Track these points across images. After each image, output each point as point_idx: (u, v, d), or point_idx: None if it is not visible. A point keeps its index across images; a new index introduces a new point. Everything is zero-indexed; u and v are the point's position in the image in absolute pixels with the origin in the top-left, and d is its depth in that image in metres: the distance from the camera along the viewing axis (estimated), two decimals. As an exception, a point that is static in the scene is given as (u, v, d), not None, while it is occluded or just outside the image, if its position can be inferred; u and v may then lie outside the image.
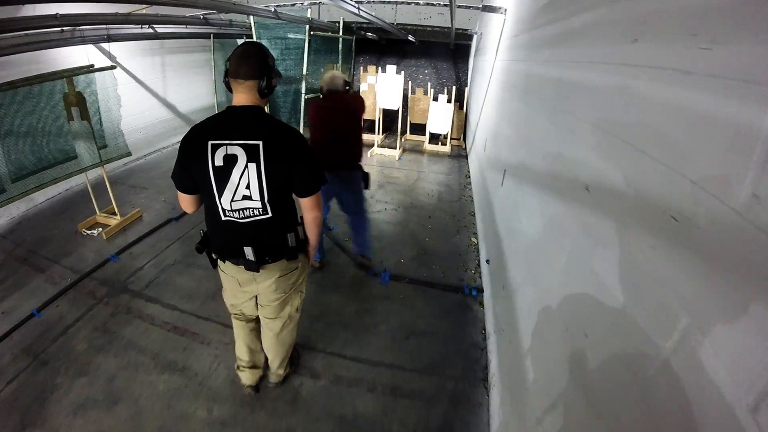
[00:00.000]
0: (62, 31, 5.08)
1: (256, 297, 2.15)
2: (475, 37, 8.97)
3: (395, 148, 7.97)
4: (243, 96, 1.75)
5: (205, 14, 4.91)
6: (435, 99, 8.16)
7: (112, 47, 6.66)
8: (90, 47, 6.30)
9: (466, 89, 8.71)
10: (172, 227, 5.04)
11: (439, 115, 8.02)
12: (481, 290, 3.86)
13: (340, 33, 7.58)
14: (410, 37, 8.77)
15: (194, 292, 3.82)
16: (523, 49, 3.28)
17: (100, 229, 4.98)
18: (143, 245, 4.65)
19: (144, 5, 4.40)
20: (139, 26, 6.09)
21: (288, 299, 2.18)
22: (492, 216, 3.86)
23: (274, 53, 6.81)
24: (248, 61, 1.72)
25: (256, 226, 1.85)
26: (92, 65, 4.71)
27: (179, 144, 1.80)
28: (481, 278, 4.07)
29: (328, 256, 4.38)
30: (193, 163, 1.76)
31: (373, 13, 5.60)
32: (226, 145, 1.69)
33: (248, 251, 1.88)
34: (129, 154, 5.24)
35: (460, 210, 5.59)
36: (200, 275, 4.07)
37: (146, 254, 4.46)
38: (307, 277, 2.31)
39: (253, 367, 2.51)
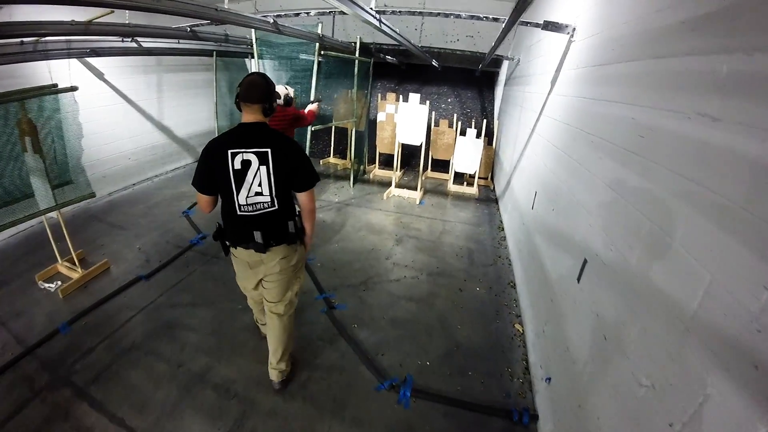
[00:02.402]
0: (22, 42, 4.21)
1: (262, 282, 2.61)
2: (506, 63, 8.07)
3: (416, 189, 6.96)
4: (251, 115, 2.26)
5: (192, 26, 4.00)
6: (462, 133, 7.17)
7: (99, 63, 5.82)
8: (73, 62, 5.45)
9: (495, 122, 7.71)
10: (139, 289, 4.08)
11: (466, 152, 7.03)
12: (535, 415, 2.80)
13: (357, 54, 6.64)
14: (434, 62, 7.89)
15: (149, 399, 2.88)
16: (626, 87, 2.26)
17: (59, 283, 4.13)
18: (102, 313, 3.75)
19: (105, 11, 3.50)
20: (120, 39, 5.21)
21: (289, 283, 2.63)
22: (556, 314, 2.82)
23: (281, 76, 5.90)
24: (256, 89, 2.23)
25: (265, 217, 2.33)
26: (54, 85, 3.81)
27: (201, 154, 2.26)
28: (532, 391, 3.02)
29: (330, 355, 3.34)
30: (216, 167, 2.21)
31: (397, 30, 4.65)
32: (243, 152, 2.20)
33: (257, 235, 2.34)
34: (92, 195, 4.30)
35: (496, 278, 4.54)
36: (161, 372, 3.11)
37: (102, 328, 3.55)
38: (303, 266, 2.80)
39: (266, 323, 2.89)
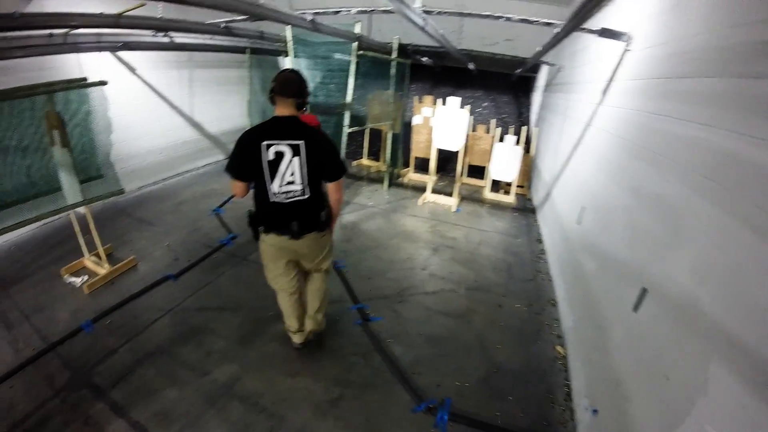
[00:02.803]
0: (51, 35, 4.11)
1: (297, 263, 2.80)
2: (544, 69, 7.76)
3: (451, 195, 6.69)
4: (285, 109, 2.39)
5: (227, 22, 3.84)
6: (500, 139, 6.88)
7: (132, 57, 5.74)
8: (106, 55, 5.37)
9: (534, 129, 7.39)
10: (167, 289, 3.91)
11: (504, 159, 6.74)
12: (578, 448, 2.54)
13: (394, 55, 6.42)
14: (470, 65, 7.63)
15: (172, 407, 2.72)
16: (701, 105, 1.97)
17: (86, 278, 4.04)
18: (127, 312, 3.59)
19: (138, 4, 3.35)
20: (153, 34, 5.10)
21: (325, 257, 2.86)
22: (606, 342, 2.52)
23: (315, 75, 5.72)
24: (291, 85, 2.36)
25: (298, 206, 2.48)
26: (83, 79, 3.70)
27: (236, 144, 2.37)
28: (573, 420, 2.76)
29: (363, 371, 3.13)
30: (251, 157, 2.34)
31: (441, 31, 4.41)
32: (276, 143, 2.33)
33: (294, 225, 2.51)
34: (120, 191, 4.20)
35: (536, 295, 4.25)
36: (185, 379, 2.95)
37: (127, 328, 3.44)
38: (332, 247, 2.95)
39: (300, 330, 3.10)
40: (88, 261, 4.22)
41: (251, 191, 2.57)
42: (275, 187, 2.40)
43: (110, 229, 5.02)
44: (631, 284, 2.28)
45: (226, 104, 7.83)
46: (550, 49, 4.33)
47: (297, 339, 3.16)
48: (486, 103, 9.39)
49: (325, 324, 3.31)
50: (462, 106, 6.20)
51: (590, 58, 4.50)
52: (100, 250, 4.08)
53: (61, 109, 3.51)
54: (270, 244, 2.64)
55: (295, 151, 2.36)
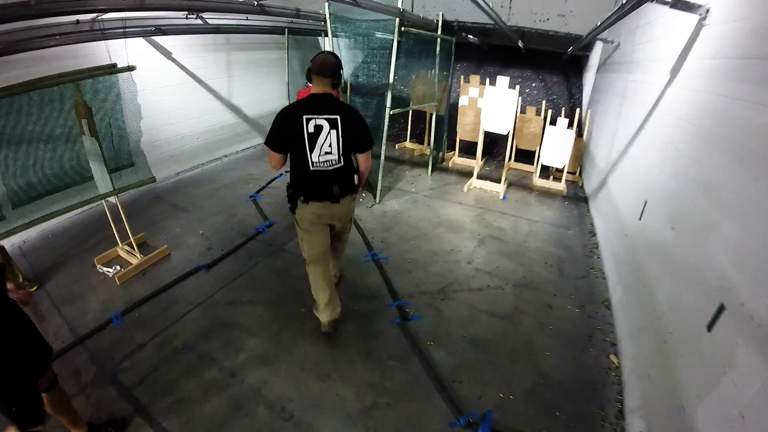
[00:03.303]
0: (77, 22, 3.97)
1: (330, 227, 3.00)
2: (598, 47, 7.14)
3: (499, 182, 6.26)
4: (322, 87, 2.61)
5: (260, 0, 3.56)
6: (552, 122, 6.37)
7: (166, 41, 5.62)
8: (139, 41, 5.25)
9: (587, 112, 6.79)
10: (198, 280, 3.79)
11: (556, 144, 6.23)
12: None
13: (439, 32, 6.00)
14: (520, 43, 7.10)
15: (197, 411, 2.57)
16: None
17: (118, 268, 3.95)
18: (157, 305, 3.50)
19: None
20: (184, 16, 4.91)
21: (350, 221, 3.19)
22: (670, 360, 2.13)
23: (356, 55, 5.39)
24: (328, 65, 2.58)
25: (337, 172, 2.69)
26: (113, 65, 3.54)
27: (276, 119, 2.58)
28: None
29: (400, 377, 2.85)
30: (292, 130, 2.53)
31: (490, 3, 3.99)
32: (315, 118, 2.53)
33: (336, 188, 2.71)
34: (152, 180, 4.05)
35: (589, 295, 3.84)
36: (212, 380, 2.78)
37: (155, 322, 3.31)
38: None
39: (330, 304, 3.02)
40: (121, 250, 4.14)
41: (287, 166, 2.79)
42: (315, 156, 2.60)
43: (146, 216, 4.95)
44: (706, 298, 1.91)
45: (264, 87, 7.64)
46: (611, 25, 3.83)
47: (324, 317, 3.08)
48: (535, 84, 8.81)
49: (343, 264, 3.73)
50: (511, 87, 5.74)
51: (656, 34, 4.00)
52: (132, 240, 3.99)
53: (88, 98, 3.36)
54: (311, 212, 2.77)
55: (333, 124, 2.57)
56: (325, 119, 2.56)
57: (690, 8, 2.77)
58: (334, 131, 2.59)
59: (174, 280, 3.77)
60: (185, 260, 4.10)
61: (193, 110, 6.41)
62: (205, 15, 5.09)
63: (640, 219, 3.42)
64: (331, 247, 3.14)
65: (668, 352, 2.21)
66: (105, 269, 3.94)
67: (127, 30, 4.81)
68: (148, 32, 5.10)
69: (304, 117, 2.53)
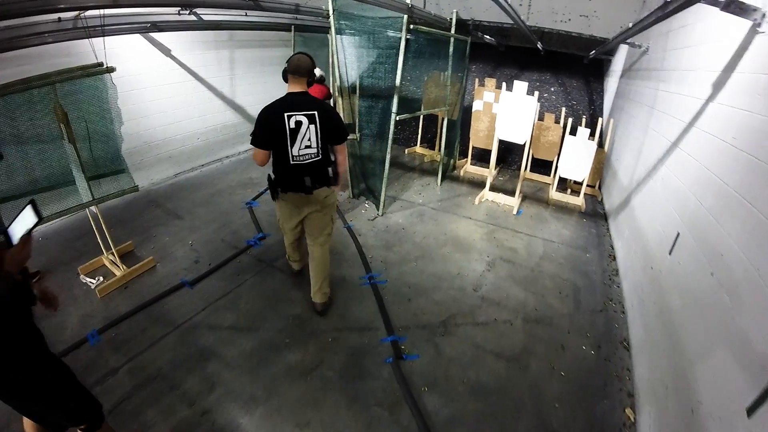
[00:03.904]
0: (59, 20, 3.70)
1: (302, 221, 3.16)
2: (622, 50, 6.69)
3: (513, 194, 5.86)
4: (298, 86, 2.76)
5: None
6: (572, 132, 5.96)
7: (166, 39, 5.34)
8: (136, 38, 4.98)
9: (609, 120, 6.34)
10: (180, 298, 3.52)
11: (576, 155, 5.81)
12: None
13: (453, 31, 5.60)
14: (539, 45, 6.68)
15: None
16: None
17: (101, 279, 3.70)
18: (136, 324, 3.24)
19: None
20: (177, 12, 4.62)
21: (326, 222, 3.19)
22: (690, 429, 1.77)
23: (361, 54, 5.03)
24: (302, 65, 2.73)
25: (312, 165, 2.87)
26: (99, 64, 3.26)
27: (259, 118, 2.71)
28: None
29: (387, 430, 2.50)
30: (274, 127, 2.68)
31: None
32: (295, 114, 2.69)
33: (307, 180, 2.88)
34: (134, 189, 3.76)
35: (606, 332, 3.46)
36: (182, 417, 2.53)
37: (131, 344, 3.05)
38: (336, 208, 3.34)
39: (297, 260, 3.67)
40: (106, 260, 3.88)
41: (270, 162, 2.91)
42: (295, 150, 2.78)
43: (137, 221, 4.70)
44: (751, 376, 1.53)
45: (269, 86, 7.32)
46: (646, 28, 3.44)
47: (296, 266, 3.73)
48: (554, 88, 8.39)
49: (329, 296, 3.45)
50: (529, 92, 5.34)
51: (694, 40, 3.58)
52: (114, 252, 3.72)
53: (64, 102, 3.08)
54: (288, 201, 3.04)
55: (311, 119, 2.74)
56: (304, 115, 2.72)
57: (743, 12, 2.35)
58: (313, 126, 2.77)
59: (155, 296, 3.49)
60: (170, 274, 3.82)
61: (194, 109, 6.13)
62: (199, 11, 4.79)
63: (670, 253, 3.03)
64: (310, 250, 3.31)
65: (695, 425, 1.85)
66: (88, 279, 3.70)
67: (122, 26, 4.53)
68: (143, 29, 4.81)
69: (285, 114, 2.68)
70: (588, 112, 7.95)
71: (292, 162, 2.81)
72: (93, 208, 3.55)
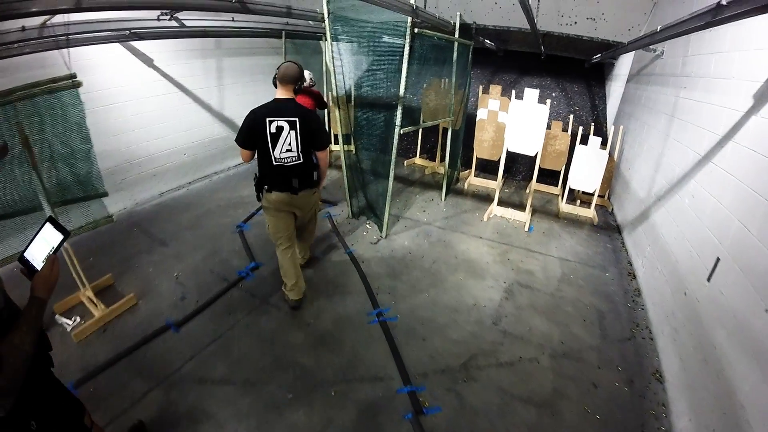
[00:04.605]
0: (23, 29, 3.29)
1: (293, 215, 3.32)
2: (631, 54, 6.40)
3: (522, 208, 5.51)
4: (285, 93, 2.93)
5: None
6: (583, 141, 5.63)
7: (147, 47, 4.93)
8: (115, 47, 4.57)
9: (618, 127, 5.99)
10: (165, 343, 3.13)
11: (586, 165, 5.50)
12: None
13: (457, 34, 5.24)
14: (542, 48, 6.39)
15: None
16: None
17: (77, 320, 3.29)
18: (115, 376, 2.83)
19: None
20: (156, 18, 4.22)
21: (314, 210, 3.55)
22: None
23: (360, 61, 4.65)
24: (290, 73, 2.90)
25: (296, 167, 3.04)
26: (72, 76, 2.86)
27: (245, 120, 2.88)
28: None
29: None
30: (257, 130, 2.86)
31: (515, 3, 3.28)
32: (277, 120, 2.85)
33: (295, 182, 3.06)
34: (108, 220, 3.37)
35: (637, 364, 3.14)
36: None
37: (108, 403, 2.63)
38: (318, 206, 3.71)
39: (296, 286, 3.43)
40: (84, 297, 3.44)
41: (255, 160, 3.09)
42: (276, 153, 2.94)
43: (118, 250, 4.28)
44: None
45: (260, 96, 6.83)
46: (682, 35, 3.11)
47: (293, 296, 3.47)
48: (555, 93, 8.12)
49: (309, 255, 4.03)
50: (545, 102, 5.01)
51: (725, 45, 3.28)
52: (90, 292, 3.32)
53: (26, 121, 2.67)
54: (274, 200, 3.13)
55: (292, 125, 2.89)
56: (286, 121, 2.87)
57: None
58: (294, 132, 2.91)
59: (137, 342, 3.08)
60: (154, 313, 3.41)
61: (179, 123, 5.72)
62: (182, 16, 4.39)
63: (708, 280, 2.71)
64: (297, 235, 3.56)
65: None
66: (64, 320, 3.28)
67: (97, 34, 4.13)
68: (121, 37, 4.41)
69: (267, 119, 2.85)
70: (591, 116, 7.68)
71: (274, 163, 2.98)
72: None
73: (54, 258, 1.44)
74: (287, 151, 2.95)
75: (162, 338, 3.15)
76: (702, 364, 2.51)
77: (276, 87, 2.97)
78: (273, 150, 2.93)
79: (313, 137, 3.02)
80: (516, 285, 3.99)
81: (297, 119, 2.89)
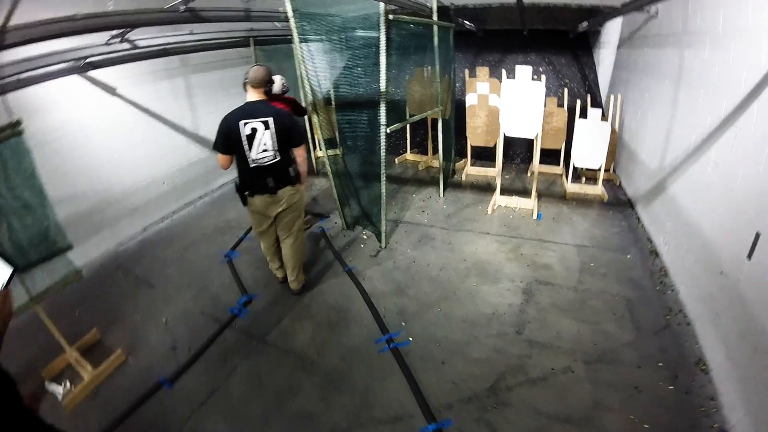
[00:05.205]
0: None
1: (275, 220, 3.32)
2: (618, 19, 6.05)
3: (528, 195, 5.16)
4: (256, 95, 2.99)
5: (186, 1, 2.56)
6: (583, 114, 5.29)
7: (107, 76, 4.59)
8: (73, 80, 4.24)
9: (617, 96, 5.64)
10: (159, 404, 2.80)
11: (589, 141, 5.17)
12: None
13: (435, 17, 4.86)
14: (524, 23, 6.04)
15: None
16: None
17: (68, 386, 2.94)
18: None
19: None
20: (105, 43, 3.86)
21: (295, 219, 3.40)
22: None
23: (333, 60, 4.29)
24: (259, 77, 2.97)
25: (272, 166, 3.08)
26: (15, 123, 2.53)
27: (220, 126, 2.95)
28: None
29: None
30: (232, 134, 2.91)
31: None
32: (251, 122, 2.90)
33: (270, 180, 3.09)
34: (78, 276, 3.04)
35: (678, 356, 2.84)
36: None
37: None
38: (303, 204, 3.53)
39: (280, 269, 3.74)
40: (71, 358, 3.10)
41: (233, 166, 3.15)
42: (253, 154, 2.99)
43: (102, 298, 3.95)
44: None
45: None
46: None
47: (279, 274, 3.80)
48: (542, 68, 7.80)
49: (303, 278, 3.76)
50: (539, 77, 4.65)
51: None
52: (76, 353, 3.04)
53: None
54: (256, 205, 3.21)
55: (266, 125, 2.94)
56: (260, 122, 2.93)
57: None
58: (268, 131, 2.96)
59: (129, 407, 2.75)
60: (145, 369, 3.08)
61: (153, 151, 5.36)
62: (134, 37, 4.03)
63: (749, 257, 2.40)
64: (282, 245, 3.53)
65: None
66: (53, 387, 2.93)
67: (49, 69, 3.78)
68: (75, 69, 4.05)
69: (241, 122, 2.91)
70: (583, 87, 7.36)
71: (251, 165, 3.03)
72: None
73: (5, 292, 1.34)
74: (263, 151, 3.01)
75: (156, 397, 2.82)
76: (751, 352, 2.25)
77: (246, 91, 3.03)
78: (249, 152, 2.99)
79: (289, 134, 3.07)
80: (534, 283, 3.66)
81: (270, 118, 2.95)
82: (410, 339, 3.09)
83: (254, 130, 2.93)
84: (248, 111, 2.95)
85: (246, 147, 2.97)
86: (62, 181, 4.32)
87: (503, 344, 3.00)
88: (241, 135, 2.93)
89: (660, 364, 2.77)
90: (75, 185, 4.43)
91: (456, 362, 2.87)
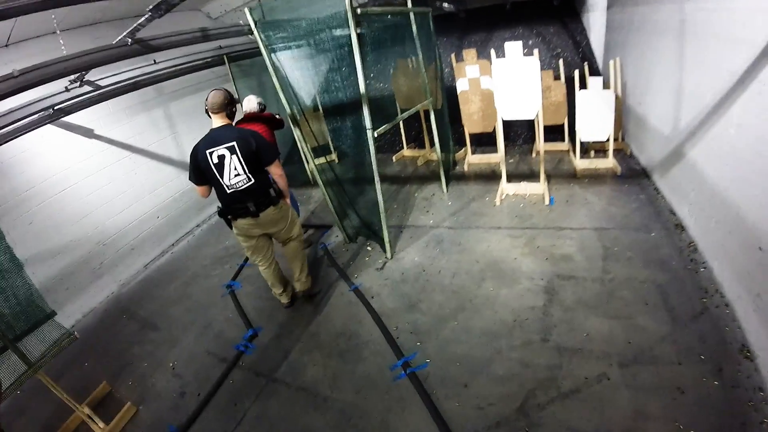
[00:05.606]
0: None
1: (268, 236, 3.37)
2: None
3: (537, 178, 4.84)
4: (219, 120, 2.93)
5: (132, 32, 2.33)
6: (582, 85, 4.97)
7: (83, 118, 4.45)
8: (47, 130, 4.11)
9: (616, 61, 5.27)
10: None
11: (594, 112, 4.85)
12: None
13: (410, 4, 4.53)
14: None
15: None
16: None
17: None
18: None
19: None
20: (64, 89, 3.68)
21: (290, 225, 3.40)
22: None
23: (306, 67, 4.04)
24: (217, 102, 2.89)
25: (249, 189, 3.00)
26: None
27: (190, 158, 2.98)
28: None
29: None
30: (201, 165, 2.90)
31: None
32: (216, 149, 2.84)
33: (250, 205, 3.03)
34: (70, 338, 2.91)
35: (720, 344, 2.54)
36: None
37: None
38: (293, 217, 3.47)
39: (285, 290, 3.65)
40: (83, 415, 2.97)
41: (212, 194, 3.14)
42: (226, 180, 2.95)
43: (108, 346, 3.86)
44: None
45: (221, 130, 6.38)
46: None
47: (284, 299, 3.70)
48: (531, 41, 7.50)
49: (311, 281, 3.76)
50: (531, 53, 4.30)
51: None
52: (87, 409, 2.98)
53: None
54: (240, 227, 3.19)
55: (231, 150, 2.88)
56: (225, 148, 2.85)
57: None
58: (235, 156, 2.88)
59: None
60: (156, 420, 2.96)
61: (142, 187, 5.23)
62: (94, 77, 3.84)
63: None
64: (285, 250, 3.54)
65: None
66: None
67: (18, 125, 3.64)
68: (46, 118, 3.89)
69: (207, 152, 2.86)
70: (577, 56, 7.01)
71: (228, 191, 2.98)
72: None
73: None
74: (236, 176, 2.94)
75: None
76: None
77: (210, 117, 2.97)
78: (222, 179, 2.94)
79: (257, 155, 2.97)
80: (556, 279, 3.38)
81: (234, 143, 2.86)
82: (428, 361, 2.85)
83: (221, 158, 2.87)
84: (213, 138, 2.89)
85: (217, 175, 2.92)
86: (52, 233, 4.24)
87: (530, 355, 2.74)
88: (210, 164, 2.88)
89: (702, 356, 2.49)
90: (69, 234, 4.39)
91: (480, 382, 2.62)
